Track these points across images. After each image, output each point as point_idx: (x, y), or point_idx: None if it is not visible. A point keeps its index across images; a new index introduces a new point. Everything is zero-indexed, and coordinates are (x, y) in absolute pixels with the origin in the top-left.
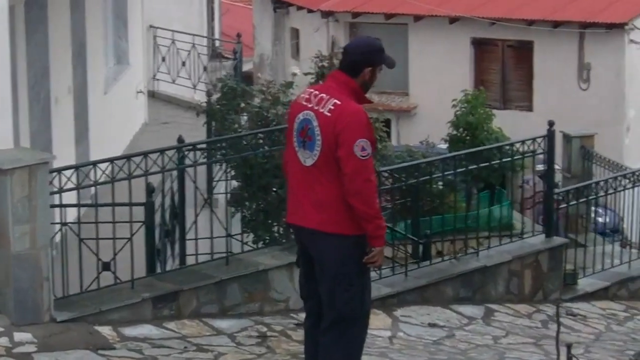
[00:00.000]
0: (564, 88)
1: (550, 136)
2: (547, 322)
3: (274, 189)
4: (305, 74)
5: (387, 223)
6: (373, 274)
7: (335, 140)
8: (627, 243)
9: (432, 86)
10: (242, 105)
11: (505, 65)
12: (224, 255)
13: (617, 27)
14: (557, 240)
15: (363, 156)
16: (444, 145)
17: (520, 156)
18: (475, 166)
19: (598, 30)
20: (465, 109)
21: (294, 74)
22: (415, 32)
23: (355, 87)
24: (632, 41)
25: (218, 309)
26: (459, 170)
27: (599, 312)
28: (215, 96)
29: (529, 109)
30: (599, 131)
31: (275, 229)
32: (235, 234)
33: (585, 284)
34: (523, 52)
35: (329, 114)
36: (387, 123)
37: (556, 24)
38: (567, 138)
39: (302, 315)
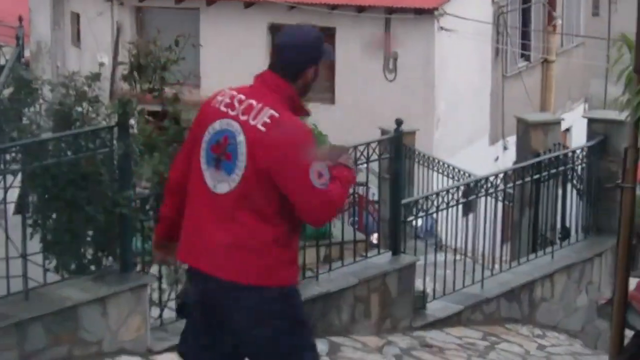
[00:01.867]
0: (369, 79)
1: (397, 138)
2: (401, 357)
3: (83, 205)
4: (118, 64)
5: None
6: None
7: (270, 166)
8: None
9: (227, 77)
10: (41, 101)
11: None
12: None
13: (426, 13)
14: (406, 258)
15: (323, 184)
16: None
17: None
18: None
19: (405, 16)
20: None
21: (102, 64)
22: (207, 18)
23: (293, 94)
24: (442, 28)
25: (18, 356)
26: None
27: (456, 342)
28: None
29: (331, 101)
30: (407, 124)
31: (85, 253)
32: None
33: (435, 308)
34: (325, 39)
35: (262, 129)
36: (177, 118)
37: (360, 9)
38: (386, 134)
39: None
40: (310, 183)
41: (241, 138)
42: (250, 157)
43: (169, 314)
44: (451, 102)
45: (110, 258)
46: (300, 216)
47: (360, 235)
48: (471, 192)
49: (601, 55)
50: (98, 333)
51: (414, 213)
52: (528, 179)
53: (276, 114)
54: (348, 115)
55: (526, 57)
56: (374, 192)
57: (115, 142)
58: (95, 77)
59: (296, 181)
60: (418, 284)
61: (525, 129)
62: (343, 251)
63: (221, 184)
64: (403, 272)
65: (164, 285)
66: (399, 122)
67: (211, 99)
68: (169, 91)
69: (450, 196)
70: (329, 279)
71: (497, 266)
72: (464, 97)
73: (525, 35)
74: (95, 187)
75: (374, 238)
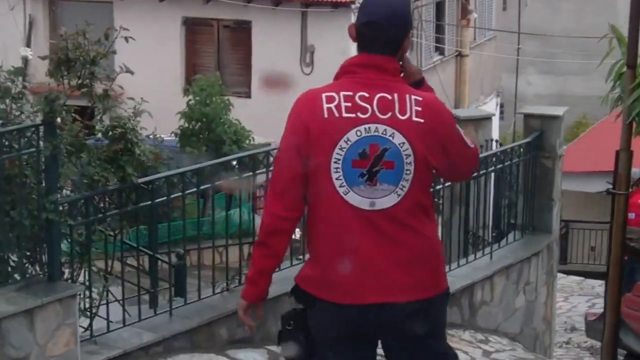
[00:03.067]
0: (285, 72)
1: None
2: None
3: (7, 210)
4: (43, 58)
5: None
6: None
7: (431, 152)
8: None
9: (140, 72)
10: None
11: (221, 48)
12: None
13: (342, 6)
14: None
15: (470, 141)
16: (173, 139)
17: None
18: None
19: (322, 10)
20: (199, 98)
21: (25, 58)
22: (121, 11)
23: (400, 69)
24: None
25: None
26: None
27: None
28: None
29: (248, 95)
30: None
31: (9, 261)
32: None
33: None
34: (241, 33)
35: (419, 119)
36: (92, 113)
37: (277, 3)
38: None
39: None
40: (467, 146)
41: (400, 139)
42: (416, 154)
43: (98, 324)
44: None
45: (37, 266)
46: (452, 178)
47: None
48: None
49: (511, 48)
50: (24, 348)
51: None
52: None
53: (419, 98)
54: (265, 109)
55: (441, 51)
56: None
57: (41, 142)
58: (19, 71)
59: (459, 152)
60: None
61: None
62: None
63: (383, 198)
64: None
65: (94, 294)
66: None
67: (312, 109)
68: (98, 87)
69: None
70: None
71: None
72: None
73: (439, 29)
74: (19, 190)
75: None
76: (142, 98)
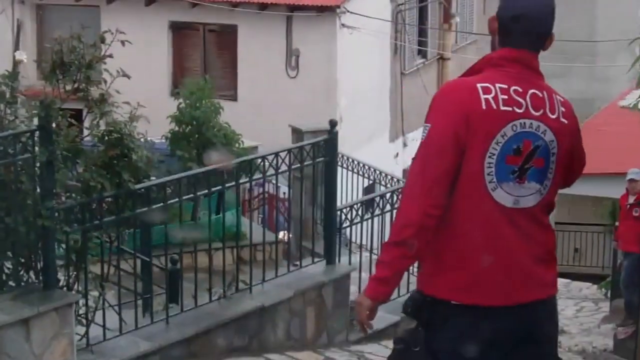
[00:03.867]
0: (271, 76)
1: (332, 140)
2: None
3: (2, 216)
4: (38, 62)
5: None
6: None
7: (569, 153)
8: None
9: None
10: None
11: (207, 52)
12: None
13: (328, 11)
14: (342, 268)
15: None
16: (163, 142)
17: (298, 165)
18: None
19: (308, 14)
20: (189, 101)
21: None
22: (108, 15)
23: None
24: (343, 25)
25: None
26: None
27: None
28: None
29: (234, 98)
30: (310, 121)
31: (3, 268)
32: None
33: None
34: (226, 37)
35: (564, 120)
36: (79, 115)
37: (262, 7)
38: (298, 133)
39: None
40: (584, 152)
41: (550, 137)
42: (560, 154)
43: (93, 331)
44: (352, 99)
45: (32, 273)
46: (568, 182)
47: (270, 236)
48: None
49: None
50: (21, 358)
51: (350, 220)
52: None
53: (561, 99)
54: (251, 112)
55: (423, 54)
56: (284, 191)
57: (37, 147)
58: (14, 76)
59: (582, 157)
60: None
61: None
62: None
63: (528, 197)
64: (339, 283)
65: (90, 302)
66: (333, 124)
67: (471, 101)
68: (94, 91)
69: (384, 202)
70: (263, 291)
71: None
72: (364, 94)
73: (422, 32)
74: (15, 196)
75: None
76: (138, 103)
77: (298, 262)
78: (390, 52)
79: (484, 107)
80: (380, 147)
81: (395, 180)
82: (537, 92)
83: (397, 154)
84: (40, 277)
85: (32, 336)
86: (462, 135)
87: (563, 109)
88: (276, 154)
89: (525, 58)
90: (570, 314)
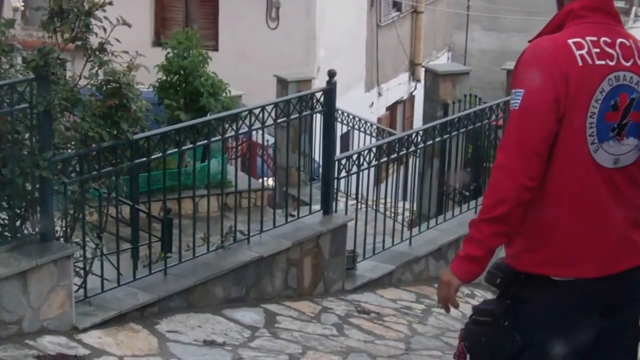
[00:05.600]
0: (252, 27)
1: (330, 90)
2: (341, 326)
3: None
4: (36, 9)
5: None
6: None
7: None
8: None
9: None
10: None
11: (189, 2)
12: None
13: None
14: (339, 218)
15: None
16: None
17: (297, 115)
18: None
19: None
20: (177, 51)
21: (16, 9)
22: None
23: None
24: None
25: None
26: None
27: (392, 306)
28: None
29: (215, 48)
30: (290, 71)
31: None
32: None
33: (365, 268)
34: None
35: None
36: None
37: None
38: (282, 83)
39: (42, 341)
40: None
41: None
42: None
43: (91, 282)
44: (330, 50)
45: (29, 225)
46: None
47: (255, 184)
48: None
49: (461, 5)
50: (18, 311)
51: (347, 170)
52: (450, 135)
53: None
54: (232, 62)
55: (398, 7)
56: (267, 139)
57: (34, 97)
58: (9, 23)
59: None
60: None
61: (433, 79)
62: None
63: (627, 154)
64: (336, 233)
65: (88, 254)
66: (331, 74)
67: (567, 60)
68: (93, 40)
69: (376, 154)
70: (260, 242)
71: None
72: (341, 45)
73: None
74: (12, 147)
75: (269, 182)
76: (137, 52)
77: (295, 213)
78: (367, 5)
79: (580, 64)
80: (356, 97)
81: (370, 125)
82: (624, 41)
83: (372, 103)
84: (38, 229)
85: (29, 288)
86: (562, 98)
87: None
88: (275, 104)
89: (606, 4)
90: None
